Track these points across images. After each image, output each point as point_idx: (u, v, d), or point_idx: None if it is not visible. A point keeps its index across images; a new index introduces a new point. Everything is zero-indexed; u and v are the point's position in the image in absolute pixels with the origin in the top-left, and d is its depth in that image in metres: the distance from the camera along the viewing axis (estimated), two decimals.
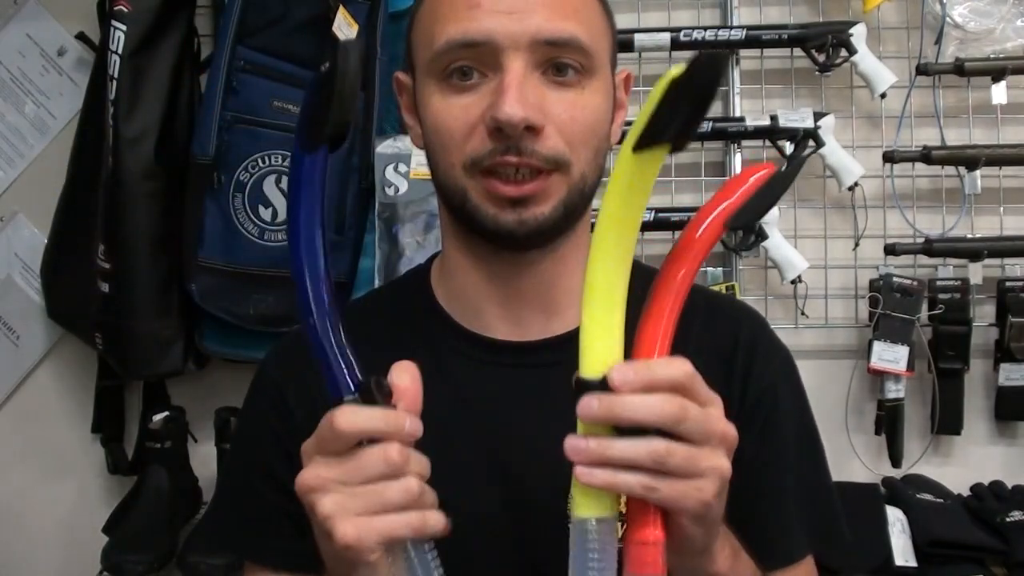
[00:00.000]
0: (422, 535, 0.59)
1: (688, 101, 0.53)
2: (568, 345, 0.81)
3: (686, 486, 0.55)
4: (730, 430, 0.58)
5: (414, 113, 0.81)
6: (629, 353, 0.58)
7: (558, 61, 0.73)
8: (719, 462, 0.57)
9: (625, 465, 0.55)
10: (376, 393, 0.58)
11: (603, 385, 0.55)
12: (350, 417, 0.57)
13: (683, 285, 0.58)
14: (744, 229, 0.58)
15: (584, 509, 0.57)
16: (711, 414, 0.57)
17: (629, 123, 0.57)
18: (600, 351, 0.57)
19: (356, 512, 0.57)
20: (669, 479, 0.55)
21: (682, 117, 0.53)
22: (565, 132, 0.73)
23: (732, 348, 0.82)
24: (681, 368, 0.56)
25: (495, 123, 0.71)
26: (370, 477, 0.57)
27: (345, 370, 0.60)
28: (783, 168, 0.59)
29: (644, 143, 0.54)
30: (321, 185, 0.62)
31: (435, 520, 0.59)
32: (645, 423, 0.54)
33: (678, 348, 0.84)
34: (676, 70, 0.52)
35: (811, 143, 1.57)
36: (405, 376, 0.61)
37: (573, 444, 0.55)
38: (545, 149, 0.72)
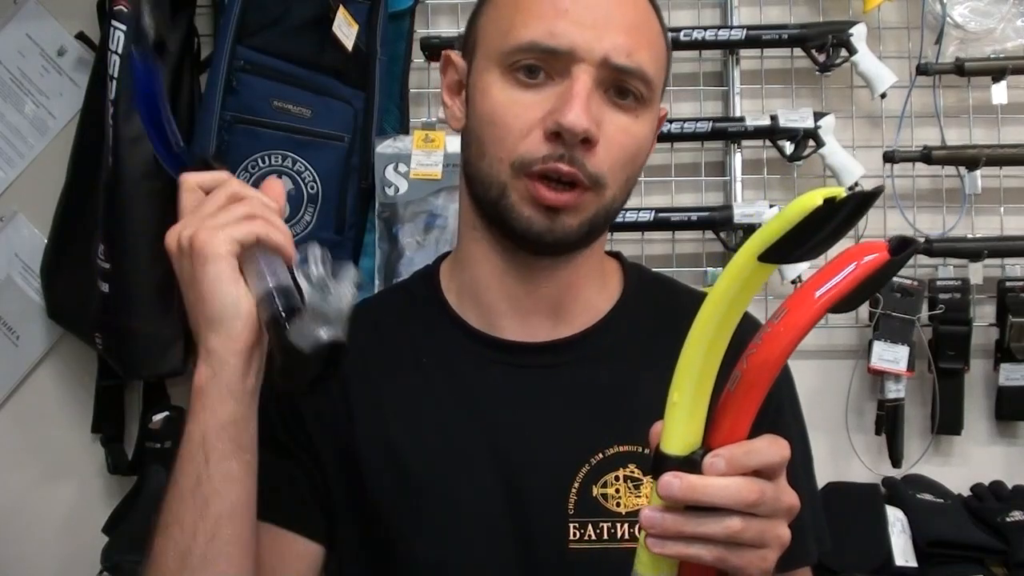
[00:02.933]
0: (267, 240, 0.68)
1: (831, 229, 0.51)
2: (572, 348, 0.83)
3: (752, 555, 0.57)
4: (795, 502, 0.60)
5: (458, 94, 0.82)
6: (708, 421, 0.58)
7: (622, 84, 0.74)
8: (782, 531, 0.59)
9: (698, 538, 0.56)
10: (212, 163, 0.74)
11: (683, 463, 0.56)
12: (192, 176, 0.72)
13: (775, 367, 0.56)
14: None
15: (646, 568, 0.58)
16: (781, 491, 0.59)
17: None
18: (684, 431, 0.57)
19: (208, 226, 0.68)
20: (738, 550, 0.57)
21: (819, 241, 0.52)
22: (612, 153, 0.74)
23: (734, 352, 0.83)
24: (778, 454, 0.58)
25: (558, 127, 0.72)
26: (219, 206, 0.69)
27: (180, 150, 0.74)
28: (892, 256, 0.54)
29: (774, 258, 0.53)
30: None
31: (279, 230, 0.69)
32: (722, 507, 0.56)
33: (672, 358, 0.85)
34: (821, 195, 0.50)
35: (811, 143, 1.57)
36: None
37: (649, 517, 0.56)
38: (591, 165, 0.74)
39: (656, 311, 0.86)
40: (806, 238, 0.51)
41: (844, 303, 0.54)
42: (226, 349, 0.69)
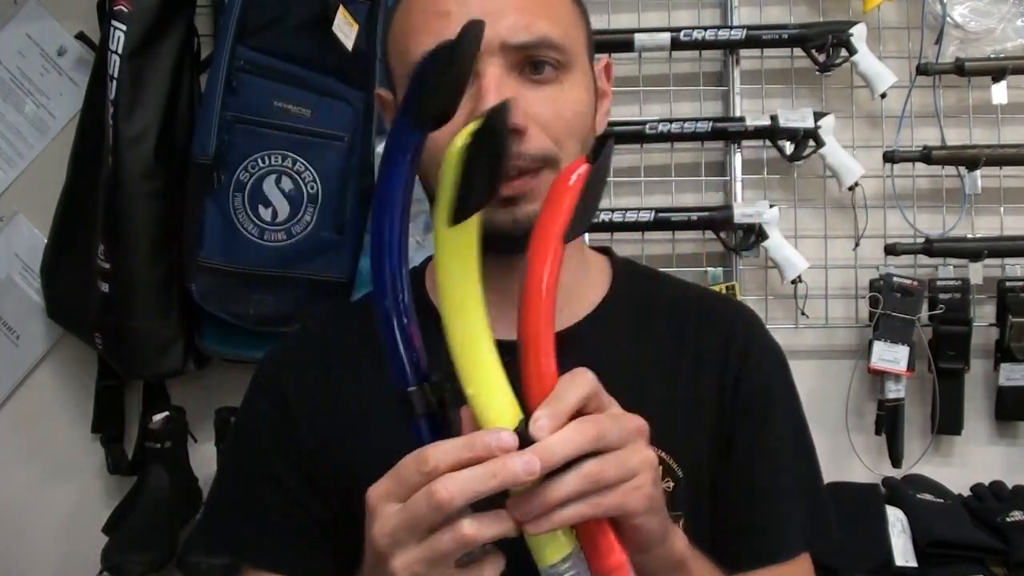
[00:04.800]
0: None
1: (488, 158, 0.53)
2: (562, 344, 0.81)
3: (626, 488, 0.57)
4: (640, 421, 0.60)
5: None
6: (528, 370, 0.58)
7: (533, 59, 0.74)
8: (644, 454, 0.59)
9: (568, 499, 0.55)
10: (441, 387, 0.58)
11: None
12: (453, 486, 0.54)
13: (548, 303, 0.57)
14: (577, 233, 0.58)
15: (549, 556, 0.57)
16: (619, 415, 0.59)
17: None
18: (497, 414, 0.56)
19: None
20: (610, 490, 0.56)
21: (485, 177, 0.54)
22: (550, 129, 0.74)
23: (726, 345, 0.83)
24: (585, 384, 0.57)
25: None
26: (444, 553, 0.56)
27: (410, 361, 0.59)
28: (594, 163, 0.58)
29: (460, 216, 0.55)
30: (413, 165, 0.58)
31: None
32: (574, 457, 0.55)
33: (673, 349, 0.84)
34: (460, 139, 0.54)
35: (811, 143, 1.57)
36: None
37: (516, 504, 0.55)
38: (531, 149, 0.73)
39: (646, 305, 0.85)
40: (473, 179, 0.54)
41: (576, 226, 0.57)
42: None
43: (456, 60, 0.55)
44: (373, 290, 0.58)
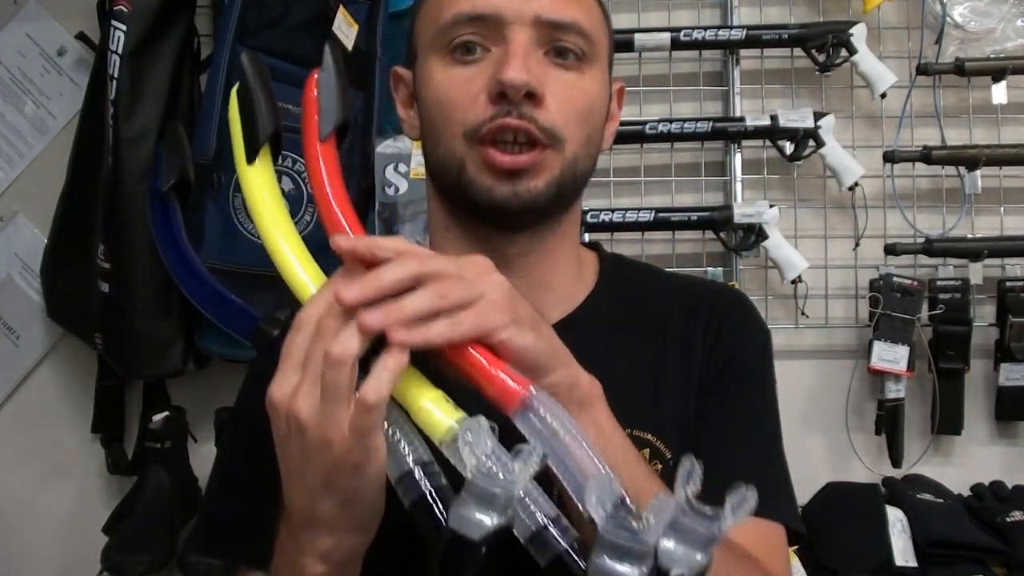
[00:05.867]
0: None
1: (251, 99, 0.66)
2: None
3: (479, 306, 0.58)
4: (482, 258, 0.62)
5: (411, 106, 0.82)
6: None
7: (559, 45, 0.74)
8: (491, 277, 0.60)
9: (422, 319, 0.57)
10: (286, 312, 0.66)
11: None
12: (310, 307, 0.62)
13: (333, 186, 0.65)
14: (343, 130, 0.68)
15: (441, 425, 0.57)
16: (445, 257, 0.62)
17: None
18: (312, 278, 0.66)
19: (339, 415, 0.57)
20: (465, 310, 0.58)
21: (259, 113, 0.66)
22: (562, 108, 0.74)
23: (708, 324, 0.83)
24: (395, 245, 0.60)
25: (499, 86, 0.71)
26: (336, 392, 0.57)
27: (242, 309, 0.70)
28: (324, 62, 0.68)
29: (253, 152, 0.66)
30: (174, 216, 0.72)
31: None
32: (407, 278, 0.58)
33: (658, 338, 0.83)
34: (234, 89, 0.66)
35: (811, 143, 1.57)
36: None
37: (370, 314, 0.56)
38: (543, 119, 0.73)
39: (633, 296, 0.85)
40: (251, 116, 0.66)
41: (324, 124, 0.66)
42: (361, 548, 0.62)
43: (178, 138, 0.70)
44: (195, 298, 0.73)
